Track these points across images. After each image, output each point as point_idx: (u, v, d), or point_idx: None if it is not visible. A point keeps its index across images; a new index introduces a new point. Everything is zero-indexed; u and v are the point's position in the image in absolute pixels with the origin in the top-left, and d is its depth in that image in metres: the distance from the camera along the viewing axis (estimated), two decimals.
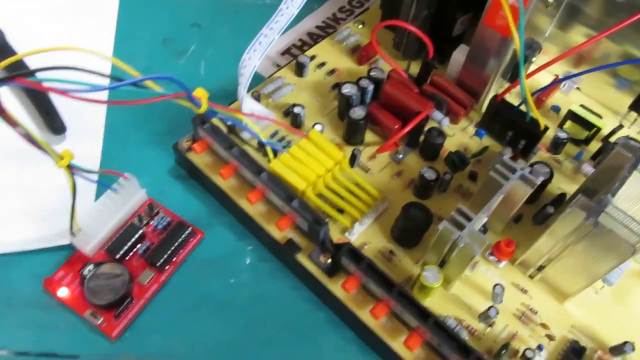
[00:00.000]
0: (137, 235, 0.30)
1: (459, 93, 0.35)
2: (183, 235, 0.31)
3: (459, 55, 0.35)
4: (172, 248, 0.30)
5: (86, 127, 0.36)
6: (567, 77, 0.33)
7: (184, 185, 0.34)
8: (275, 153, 0.31)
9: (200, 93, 0.26)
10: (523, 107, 0.32)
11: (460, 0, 0.35)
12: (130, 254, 0.30)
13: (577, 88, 0.38)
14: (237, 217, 0.32)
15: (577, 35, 0.36)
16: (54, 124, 0.35)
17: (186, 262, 0.31)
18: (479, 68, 0.34)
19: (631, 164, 0.25)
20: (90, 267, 0.29)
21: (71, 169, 0.25)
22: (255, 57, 0.31)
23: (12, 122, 0.22)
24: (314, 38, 0.42)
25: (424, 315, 0.25)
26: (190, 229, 0.31)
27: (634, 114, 0.35)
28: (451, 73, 0.36)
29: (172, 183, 0.34)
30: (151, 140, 0.36)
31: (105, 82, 0.22)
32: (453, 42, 0.36)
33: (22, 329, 0.28)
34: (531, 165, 0.30)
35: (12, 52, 0.36)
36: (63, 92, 0.21)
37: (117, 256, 0.30)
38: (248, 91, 0.35)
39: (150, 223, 0.31)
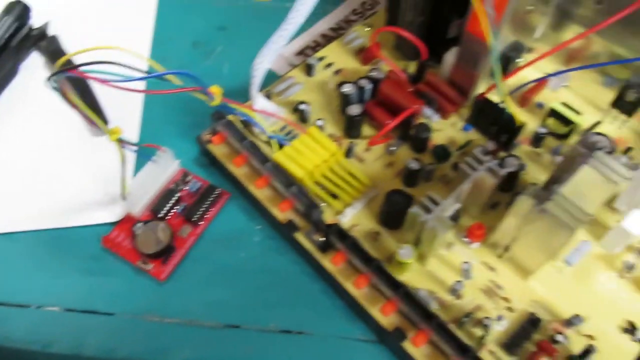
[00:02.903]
0: (174, 198, 0.37)
1: (450, 91, 0.38)
2: (213, 195, 0.37)
3: (450, 57, 0.38)
4: (205, 205, 0.37)
5: (125, 120, 0.42)
6: (540, 79, 0.36)
7: (206, 172, 0.40)
8: (280, 145, 0.36)
9: (215, 89, 0.31)
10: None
11: (452, 7, 0.38)
12: (171, 213, 0.37)
13: (566, 85, 0.41)
14: (249, 201, 0.38)
15: (571, 34, 0.38)
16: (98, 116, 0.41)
17: (204, 237, 0.37)
18: (467, 69, 0.37)
19: (584, 158, 0.29)
20: (140, 224, 0.35)
21: (120, 142, 0.32)
22: (266, 62, 0.36)
23: (74, 105, 0.29)
24: (327, 39, 0.46)
25: (396, 286, 0.30)
26: (219, 189, 0.37)
27: (614, 111, 0.37)
28: (444, 73, 0.39)
29: (197, 170, 0.40)
30: (179, 132, 0.41)
31: (137, 74, 0.27)
32: (449, 44, 0.40)
33: (80, 284, 0.35)
34: (503, 158, 0.34)
35: (64, 54, 0.43)
36: (104, 81, 0.27)
37: (160, 215, 0.36)
38: (262, 89, 0.40)
39: (185, 188, 0.38)
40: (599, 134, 0.35)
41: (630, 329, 0.31)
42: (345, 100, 0.38)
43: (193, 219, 0.36)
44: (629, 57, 0.37)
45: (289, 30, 0.35)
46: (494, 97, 0.36)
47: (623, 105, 0.36)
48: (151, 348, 0.33)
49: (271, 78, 0.42)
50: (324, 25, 0.48)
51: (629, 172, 0.28)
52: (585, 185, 0.28)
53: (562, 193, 0.27)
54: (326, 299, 0.34)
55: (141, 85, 0.41)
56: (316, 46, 0.46)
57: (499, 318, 0.31)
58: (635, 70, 0.36)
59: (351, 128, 0.38)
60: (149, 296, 0.35)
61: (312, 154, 0.35)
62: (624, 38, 0.35)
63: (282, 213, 0.35)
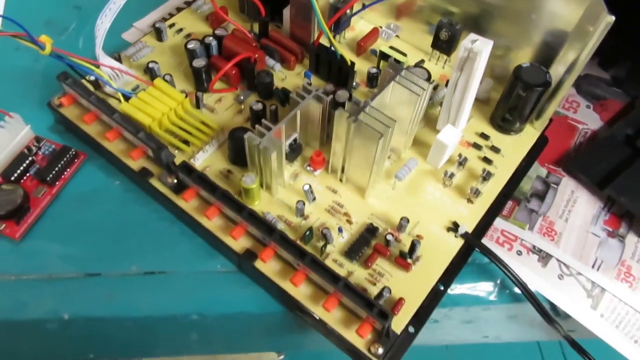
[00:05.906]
0: (27, 161, 0.37)
1: (291, 44, 0.42)
2: (67, 156, 0.37)
3: (287, 12, 0.41)
4: (60, 165, 0.37)
5: None
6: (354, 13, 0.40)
7: (62, 138, 0.40)
8: (127, 98, 0.37)
9: (45, 38, 0.32)
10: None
11: None
12: (25, 177, 0.37)
13: (397, 36, 0.45)
14: (105, 158, 0.38)
15: None
16: None
17: (61, 197, 0.37)
18: (302, 22, 0.41)
19: (391, 77, 0.33)
20: None
21: None
22: (107, 21, 0.37)
23: None
24: (181, 12, 0.48)
25: (240, 208, 0.32)
26: (73, 150, 0.38)
27: (437, 52, 0.42)
28: (286, 28, 0.43)
29: (53, 137, 0.40)
30: (32, 102, 0.41)
31: None
32: (288, 2, 0.43)
33: None
34: (335, 91, 0.37)
35: None
36: None
37: (12, 178, 0.36)
38: (111, 54, 0.41)
39: (39, 152, 0.38)
40: (419, 66, 0.40)
41: (453, 228, 0.35)
42: (191, 55, 0.40)
43: (48, 180, 0.36)
44: (442, 5, 0.42)
45: None
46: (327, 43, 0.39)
47: (440, 45, 0.41)
48: (8, 305, 0.33)
49: (123, 47, 0.44)
50: None
51: (427, 84, 0.32)
52: (393, 97, 0.32)
53: (371, 104, 0.31)
54: (186, 239, 0.36)
55: None
56: (170, 19, 0.48)
57: (340, 230, 0.34)
58: (444, 14, 0.41)
59: (199, 80, 0.40)
60: (4, 256, 0.34)
61: (158, 103, 0.36)
62: None
63: (135, 162, 0.36)
